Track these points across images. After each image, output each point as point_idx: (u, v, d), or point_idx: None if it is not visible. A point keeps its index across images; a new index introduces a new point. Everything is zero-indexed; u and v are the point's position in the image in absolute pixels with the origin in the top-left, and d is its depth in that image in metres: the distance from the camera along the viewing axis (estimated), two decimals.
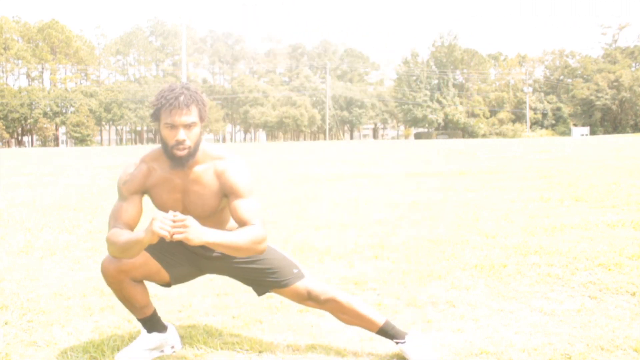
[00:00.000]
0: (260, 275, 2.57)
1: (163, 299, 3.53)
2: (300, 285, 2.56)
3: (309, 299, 2.57)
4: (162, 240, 2.29)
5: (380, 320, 2.60)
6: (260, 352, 2.70)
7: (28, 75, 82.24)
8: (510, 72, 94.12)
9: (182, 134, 2.25)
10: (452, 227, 5.75)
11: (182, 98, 2.24)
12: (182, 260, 2.58)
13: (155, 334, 2.67)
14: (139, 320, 2.68)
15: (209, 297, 3.56)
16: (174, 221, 2.07)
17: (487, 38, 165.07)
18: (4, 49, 75.58)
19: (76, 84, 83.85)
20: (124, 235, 2.26)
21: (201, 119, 2.32)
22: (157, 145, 2.48)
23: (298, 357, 2.65)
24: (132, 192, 2.40)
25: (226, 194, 2.39)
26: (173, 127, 2.25)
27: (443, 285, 3.74)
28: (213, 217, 2.46)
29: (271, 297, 3.53)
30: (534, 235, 5.24)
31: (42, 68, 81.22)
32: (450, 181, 10.71)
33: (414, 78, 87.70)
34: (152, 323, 2.67)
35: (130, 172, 2.41)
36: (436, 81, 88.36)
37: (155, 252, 2.52)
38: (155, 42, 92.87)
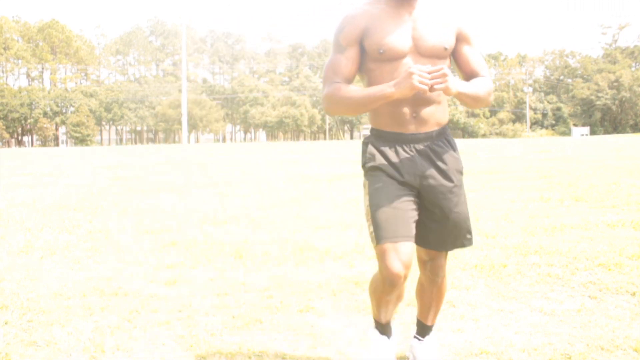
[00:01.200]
0: (451, 226, 2.22)
1: (163, 299, 3.53)
2: (444, 258, 2.32)
3: (426, 267, 2.35)
4: (389, 191, 2.12)
5: (433, 321, 2.52)
6: (260, 352, 2.70)
7: (28, 75, 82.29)
8: (510, 72, 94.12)
9: None
10: None
11: None
12: (412, 205, 2.17)
13: (393, 338, 2.48)
14: (384, 324, 2.42)
15: (209, 297, 3.56)
16: (430, 72, 1.95)
17: (487, 38, 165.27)
18: (4, 49, 75.61)
19: (76, 83, 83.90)
20: (358, 91, 2.09)
21: None
22: None
23: (298, 357, 2.65)
24: (350, 40, 2.15)
25: (458, 37, 2.21)
26: None
27: None
28: (438, 62, 2.15)
29: (271, 297, 3.53)
30: (534, 235, 5.24)
31: (42, 68, 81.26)
32: None
33: None
34: (389, 325, 2.47)
35: (349, 15, 2.18)
36: None
37: (403, 217, 2.12)
38: (155, 42, 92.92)
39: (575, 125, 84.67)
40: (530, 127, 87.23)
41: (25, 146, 76.43)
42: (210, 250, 4.91)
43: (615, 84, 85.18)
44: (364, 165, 2.25)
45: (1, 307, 3.38)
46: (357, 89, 2.10)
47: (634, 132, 76.60)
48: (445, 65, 1.99)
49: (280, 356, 2.66)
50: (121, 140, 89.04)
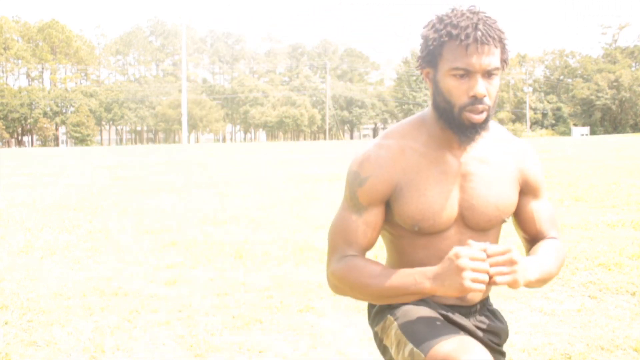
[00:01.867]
0: None
1: (163, 299, 3.53)
2: None
3: None
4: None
5: None
6: (260, 352, 2.70)
7: (28, 75, 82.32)
8: (510, 72, 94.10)
9: (481, 87, 1.35)
10: None
11: (481, 26, 1.36)
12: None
13: None
14: None
15: (209, 297, 3.56)
16: (489, 255, 1.27)
17: None
18: (4, 49, 75.63)
19: (76, 84, 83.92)
20: (381, 276, 1.40)
21: (504, 62, 1.43)
22: (402, 121, 1.57)
23: (298, 357, 2.65)
24: (373, 200, 1.47)
25: (522, 189, 1.54)
26: (468, 74, 1.36)
27: None
28: (490, 235, 1.53)
29: (271, 297, 3.53)
30: None
31: (42, 68, 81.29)
32: None
33: (414, 78, 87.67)
34: None
35: (374, 158, 1.47)
36: None
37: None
38: (155, 42, 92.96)
39: (575, 125, 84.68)
40: (530, 127, 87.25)
41: (25, 146, 76.44)
42: (210, 250, 4.91)
43: (615, 83, 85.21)
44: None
45: (1, 307, 3.38)
46: (379, 272, 1.41)
47: (634, 132, 76.58)
48: (512, 247, 1.28)
49: (280, 356, 2.65)
50: (121, 140, 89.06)
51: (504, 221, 1.54)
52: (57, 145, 78.79)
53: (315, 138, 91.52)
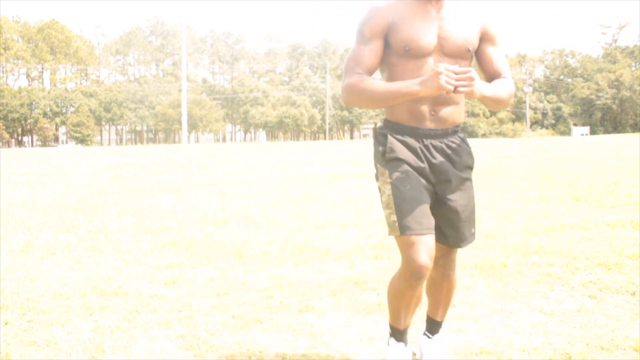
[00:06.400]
0: (463, 220, 2.22)
1: (163, 298, 3.53)
2: (456, 252, 2.33)
3: (438, 262, 2.30)
4: (409, 185, 2.11)
5: (443, 317, 2.53)
6: (260, 352, 2.70)
7: (28, 75, 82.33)
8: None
9: None
10: None
11: None
12: (430, 198, 2.19)
13: (409, 347, 2.42)
14: (402, 329, 2.35)
15: (209, 297, 3.56)
16: (457, 73, 1.91)
17: None
18: (4, 49, 75.64)
19: (76, 84, 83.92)
20: (381, 85, 2.06)
21: None
22: None
23: (298, 357, 2.65)
24: (375, 32, 2.12)
25: (483, 37, 2.19)
26: None
27: None
28: (462, 62, 2.15)
29: (271, 297, 3.53)
30: (534, 235, 5.23)
31: (42, 68, 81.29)
32: None
33: None
34: (407, 332, 2.41)
35: (376, 7, 2.16)
36: None
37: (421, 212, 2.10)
38: (155, 42, 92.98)
39: (575, 124, 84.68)
40: (530, 127, 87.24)
41: (25, 146, 76.42)
42: (210, 250, 4.91)
43: (615, 83, 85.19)
44: (383, 155, 2.19)
45: (1, 307, 3.38)
46: (380, 83, 2.08)
47: (634, 131, 76.57)
48: (472, 68, 1.95)
49: (280, 356, 2.65)
50: (121, 140, 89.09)
51: (468, 50, 2.15)
52: (57, 145, 78.78)
53: (315, 138, 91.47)
